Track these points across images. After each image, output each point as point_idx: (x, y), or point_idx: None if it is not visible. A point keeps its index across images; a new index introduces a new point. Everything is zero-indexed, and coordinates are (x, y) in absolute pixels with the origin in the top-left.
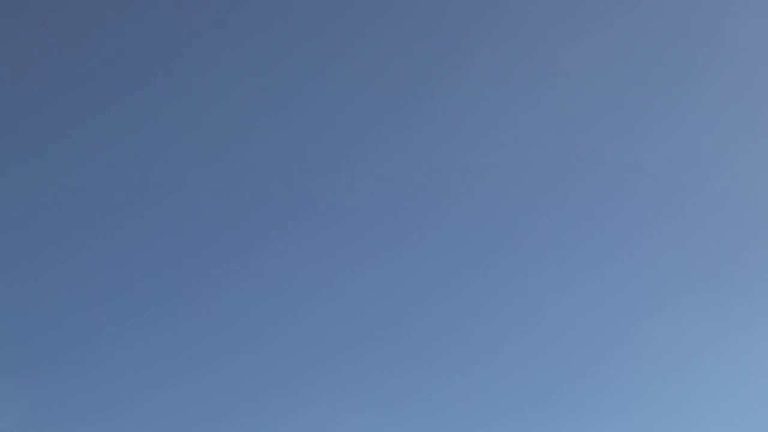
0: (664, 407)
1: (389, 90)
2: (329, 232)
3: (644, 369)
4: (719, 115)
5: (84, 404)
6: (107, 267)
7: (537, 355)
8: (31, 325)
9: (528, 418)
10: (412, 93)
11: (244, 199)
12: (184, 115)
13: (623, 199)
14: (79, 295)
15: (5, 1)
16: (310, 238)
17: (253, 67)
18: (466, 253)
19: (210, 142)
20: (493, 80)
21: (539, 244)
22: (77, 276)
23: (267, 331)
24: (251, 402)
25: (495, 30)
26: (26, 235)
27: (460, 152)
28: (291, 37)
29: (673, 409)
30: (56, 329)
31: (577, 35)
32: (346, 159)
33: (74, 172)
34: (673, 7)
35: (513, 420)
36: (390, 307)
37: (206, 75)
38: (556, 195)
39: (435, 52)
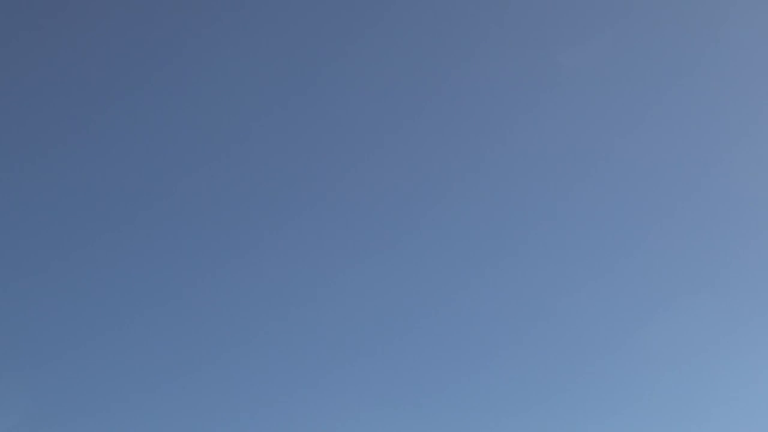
0: (669, 408)
1: (389, 90)
2: (329, 232)
3: (648, 370)
4: (720, 115)
5: (84, 404)
6: (107, 267)
7: (539, 355)
8: (31, 325)
9: (530, 419)
10: (412, 93)
11: (244, 199)
12: (183, 115)
13: (625, 199)
14: (79, 295)
15: (5, 1)
16: (310, 238)
17: (253, 67)
18: (466, 253)
19: (210, 142)
20: (493, 80)
21: (540, 244)
22: (77, 276)
23: (267, 331)
24: (251, 402)
25: (495, 30)
26: (26, 235)
27: (460, 152)
28: (291, 37)
29: (677, 409)
30: (56, 329)
31: (577, 35)
32: (346, 159)
33: (74, 172)
34: (673, 7)
35: (514, 420)
36: (390, 307)
37: (206, 75)
38: (557, 195)
39: (435, 52)
